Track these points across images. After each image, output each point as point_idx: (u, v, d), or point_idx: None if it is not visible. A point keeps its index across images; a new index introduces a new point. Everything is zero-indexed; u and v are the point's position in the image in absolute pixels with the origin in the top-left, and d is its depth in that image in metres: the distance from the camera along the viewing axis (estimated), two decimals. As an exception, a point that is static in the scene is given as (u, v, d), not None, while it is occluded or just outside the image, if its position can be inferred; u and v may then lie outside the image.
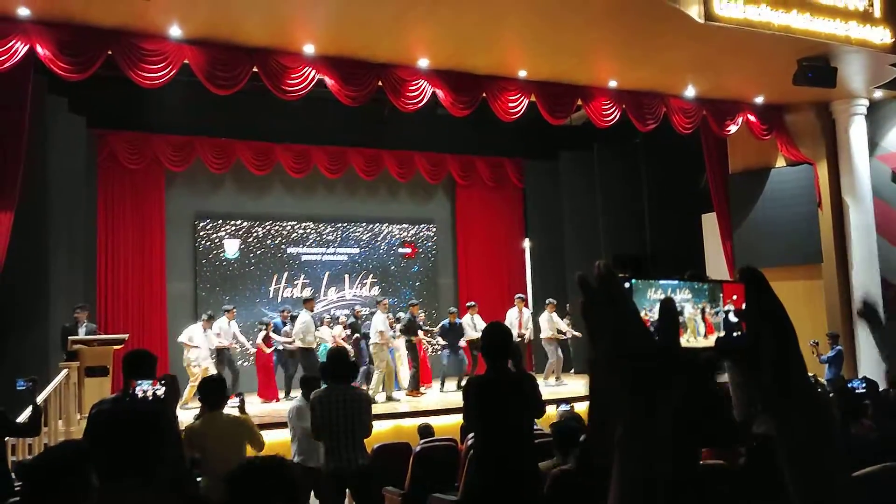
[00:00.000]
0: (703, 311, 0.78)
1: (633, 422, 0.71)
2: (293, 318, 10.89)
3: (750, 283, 0.79)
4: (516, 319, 11.55)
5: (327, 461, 4.80)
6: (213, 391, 4.48)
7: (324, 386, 5.01)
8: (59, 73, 7.55)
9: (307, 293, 13.32)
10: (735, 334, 0.79)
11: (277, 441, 7.82)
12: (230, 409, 4.78)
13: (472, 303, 11.92)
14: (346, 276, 13.90)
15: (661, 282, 0.77)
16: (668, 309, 0.73)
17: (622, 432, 0.72)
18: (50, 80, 8.52)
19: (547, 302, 11.88)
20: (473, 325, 11.34)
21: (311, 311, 10.56)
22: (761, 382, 0.78)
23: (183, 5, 7.29)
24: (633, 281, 0.75)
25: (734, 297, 0.79)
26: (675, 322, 0.74)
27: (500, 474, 3.79)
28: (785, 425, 0.76)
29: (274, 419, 8.49)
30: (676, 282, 0.77)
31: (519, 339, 10.96)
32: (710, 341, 0.78)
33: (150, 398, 3.48)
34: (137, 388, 3.57)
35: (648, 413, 0.71)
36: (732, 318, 0.79)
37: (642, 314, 0.74)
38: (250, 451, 4.52)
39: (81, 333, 8.84)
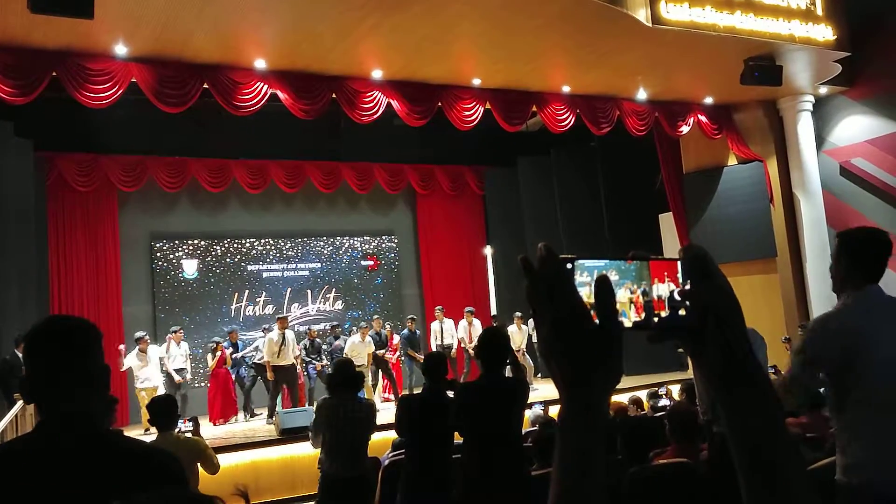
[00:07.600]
0: (637, 293, 0.77)
1: (570, 405, 0.71)
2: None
3: (694, 261, 0.78)
4: (465, 331, 11.59)
5: (330, 466, 4.93)
6: (162, 412, 4.30)
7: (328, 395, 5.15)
8: (3, 96, 7.33)
9: (270, 309, 13.19)
10: (679, 313, 0.77)
11: (232, 464, 7.71)
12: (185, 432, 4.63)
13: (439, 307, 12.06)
14: (309, 291, 13.77)
15: (587, 263, 0.75)
16: (603, 287, 0.72)
17: (562, 417, 0.72)
18: (-7, 104, 8.29)
19: (515, 315, 11.95)
20: (441, 332, 11.42)
21: (283, 329, 10.28)
22: (707, 362, 0.76)
23: (128, 23, 7.13)
24: (576, 262, 0.74)
25: (665, 275, 0.77)
26: (611, 299, 0.73)
27: (489, 477, 3.82)
28: (732, 407, 0.75)
29: (229, 441, 8.41)
30: (602, 262, 0.76)
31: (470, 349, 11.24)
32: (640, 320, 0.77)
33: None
34: None
35: (585, 397, 0.70)
36: (676, 297, 0.77)
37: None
38: (204, 474, 4.42)
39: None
